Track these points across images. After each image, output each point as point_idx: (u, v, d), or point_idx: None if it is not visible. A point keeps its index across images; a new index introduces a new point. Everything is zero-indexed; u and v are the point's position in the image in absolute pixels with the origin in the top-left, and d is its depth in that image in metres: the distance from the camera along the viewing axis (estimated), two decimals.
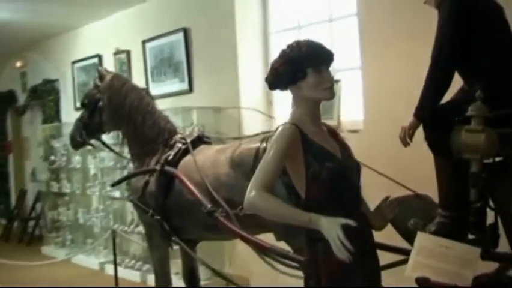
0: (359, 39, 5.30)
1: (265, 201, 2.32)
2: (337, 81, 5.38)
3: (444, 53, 3.01)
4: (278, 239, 3.78)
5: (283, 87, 2.54)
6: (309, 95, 2.48)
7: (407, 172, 3.94)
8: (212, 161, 3.98)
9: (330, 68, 2.51)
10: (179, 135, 4.41)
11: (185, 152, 4.24)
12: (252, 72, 6.38)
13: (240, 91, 6.32)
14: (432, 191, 3.31)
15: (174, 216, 4.16)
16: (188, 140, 4.26)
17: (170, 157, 4.21)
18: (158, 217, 4.15)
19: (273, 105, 6.38)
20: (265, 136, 3.77)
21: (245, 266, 5.93)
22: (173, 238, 4.23)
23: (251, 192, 2.35)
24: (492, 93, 2.79)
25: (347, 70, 5.56)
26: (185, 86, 6.94)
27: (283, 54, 2.49)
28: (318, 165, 2.37)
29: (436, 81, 3.05)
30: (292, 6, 6.21)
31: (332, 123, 5.27)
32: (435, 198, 3.29)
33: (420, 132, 3.17)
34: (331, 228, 2.23)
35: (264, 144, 3.67)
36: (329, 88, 2.48)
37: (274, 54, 6.27)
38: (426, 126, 3.12)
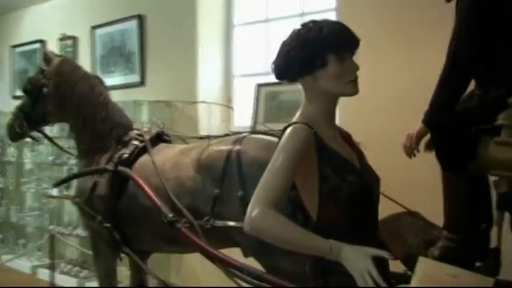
0: None
1: (273, 223, 1.79)
2: None
3: (462, 51, 2.59)
4: (247, 255, 3.30)
5: (294, 77, 2.06)
6: (328, 89, 2.00)
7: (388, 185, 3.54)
8: (174, 163, 3.46)
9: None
10: (135, 131, 3.86)
11: (142, 151, 3.71)
12: (211, 67, 5.90)
13: (197, 86, 5.82)
14: (420, 206, 2.99)
15: (126, 224, 3.62)
16: (147, 138, 3.73)
17: (125, 156, 3.67)
18: (108, 225, 3.61)
19: (232, 103, 5.90)
20: (239, 137, 3.28)
21: (193, 275, 5.55)
22: (123, 248, 3.68)
23: (254, 210, 1.81)
24: None
25: None
26: (136, 78, 6.40)
27: (299, 36, 1.99)
28: (337, 178, 1.90)
29: (453, 82, 2.63)
30: None
31: None
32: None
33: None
34: (359, 261, 1.73)
35: (238, 147, 3.19)
36: (352, 81, 2.00)
37: (236, 49, 5.94)
38: (436, 135, 2.69)
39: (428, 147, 2.86)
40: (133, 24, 6.37)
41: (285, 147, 1.89)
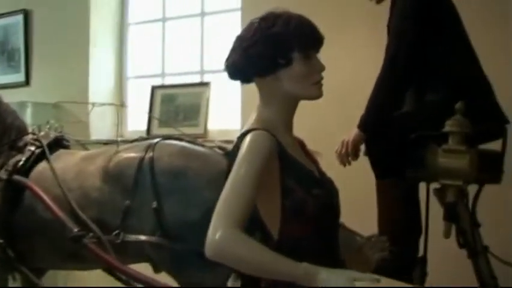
0: None
1: (241, 246, 1.52)
2: (207, 83, 4.81)
3: (403, 51, 2.49)
4: (158, 270, 3.06)
5: (252, 77, 1.84)
6: (292, 91, 1.79)
7: None
8: (77, 172, 3.13)
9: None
10: (31, 136, 3.49)
11: (40, 157, 3.35)
12: (103, 67, 5.54)
13: (88, 87, 5.44)
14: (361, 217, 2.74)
15: (22, 239, 3.22)
16: (45, 143, 3.37)
17: (21, 163, 3.29)
18: (1, 241, 3.22)
19: (125, 107, 5.58)
20: (151, 143, 3.02)
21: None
22: (17, 266, 3.30)
23: (217, 232, 1.52)
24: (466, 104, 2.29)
25: (220, 72, 4.91)
26: (21, 77, 5.91)
27: (260, 30, 1.77)
28: (302, 191, 1.69)
29: (391, 86, 2.52)
30: None
31: (196, 131, 4.69)
32: None
33: None
34: (340, 285, 1.51)
35: (151, 154, 2.93)
36: (318, 83, 1.81)
37: (131, 48, 5.62)
38: (372, 141, 2.56)
39: (366, 153, 2.74)
40: (19, 19, 5.88)
41: (247, 157, 1.65)
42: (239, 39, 1.83)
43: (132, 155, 3.00)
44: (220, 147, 3.10)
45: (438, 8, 2.60)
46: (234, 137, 4.60)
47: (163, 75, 5.37)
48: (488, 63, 2.72)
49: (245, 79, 1.86)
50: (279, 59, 1.76)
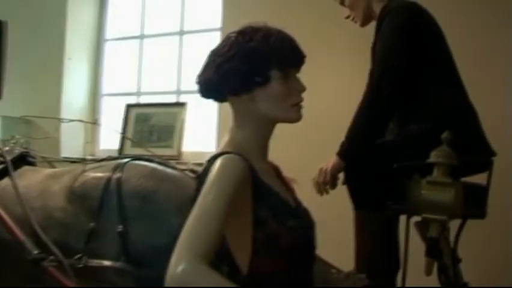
0: None
1: (203, 281, 1.32)
2: (183, 104, 4.68)
3: (389, 77, 2.39)
4: None
5: (226, 95, 1.71)
6: (268, 112, 1.67)
7: None
8: (41, 190, 2.96)
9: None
10: None
11: (2, 174, 3.18)
12: (78, 82, 5.41)
13: (60, 102, 5.31)
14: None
15: None
16: (8, 158, 3.21)
17: None
18: None
19: (97, 124, 5.43)
20: (120, 163, 2.87)
21: None
22: None
23: (179, 265, 1.33)
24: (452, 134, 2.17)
25: (197, 92, 4.77)
26: None
27: (237, 44, 1.64)
28: (276, 223, 1.55)
29: (374, 112, 2.40)
30: (136, 13, 5.33)
31: (170, 152, 4.56)
32: None
33: None
34: None
35: (119, 174, 2.78)
36: (297, 105, 1.68)
37: (107, 65, 5.48)
38: (351, 170, 2.44)
39: (344, 182, 2.61)
40: None
41: (217, 183, 1.48)
42: (213, 54, 1.70)
43: (99, 175, 2.85)
44: (192, 170, 2.95)
45: (425, 35, 2.51)
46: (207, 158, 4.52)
47: (138, 93, 5.25)
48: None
49: (218, 97, 1.74)
50: (256, 77, 1.64)
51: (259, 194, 1.57)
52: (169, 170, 2.91)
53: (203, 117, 4.78)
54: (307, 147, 3.83)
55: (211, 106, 4.58)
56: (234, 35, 1.68)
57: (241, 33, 1.68)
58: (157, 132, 4.89)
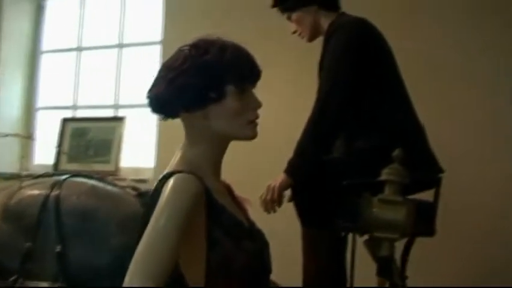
0: None
1: None
2: (121, 118, 4.57)
3: (337, 92, 2.37)
4: None
5: (178, 112, 1.63)
6: (223, 129, 1.59)
7: None
8: None
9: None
10: None
11: None
12: (12, 95, 5.20)
13: None
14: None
15: None
16: None
17: None
18: None
19: (32, 139, 5.24)
20: (58, 180, 2.75)
21: None
22: None
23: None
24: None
25: (135, 107, 4.71)
26: None
27: (191, 58, 1.56)
28: (230, 244, 1.48)
29: (324, 129, 2.37)
30: (74, 24, 5.19)
31: (107, 168, 4.46)
32: None
33: None
34: None
35: (57, 191, 2.67)
36: (253, 122, 1.62)
37: (43, 77, 5.30)
38: (299, 188, 2.40)
39: (290, 199, 2.55)
40: None
41: (170, 204, 1.41)
42: (165, 68, 1.61)
43: (36, 192, 2.73)
44: (133, 188, 2.86)
45: (373, 51, 2.50)
46: (147, 176, 4.40)
47: (75, 107, 5.10)
48: None
49: (170, 114, 1.65)
50: (210, 93, 1.56)
51: (213, 214, 1.51)
52: (109, 187, 2.81)
53: (141, 132, 4.66)
54: (255, 164, 3.78)
55: (150, 121, 4.50)
56: (187, 48, 1.61)
57: (195, 46, 1.60)
58: (94, 147, 4.75)
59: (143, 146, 4.65)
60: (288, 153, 2.50)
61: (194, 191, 1.45)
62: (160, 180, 1.52)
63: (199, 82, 1.55)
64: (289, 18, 2.77)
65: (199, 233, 1.47)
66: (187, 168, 1.54)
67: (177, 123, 4.14)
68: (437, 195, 2.40)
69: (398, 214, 1.99)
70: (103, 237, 2.56)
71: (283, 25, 2.89)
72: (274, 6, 2.78)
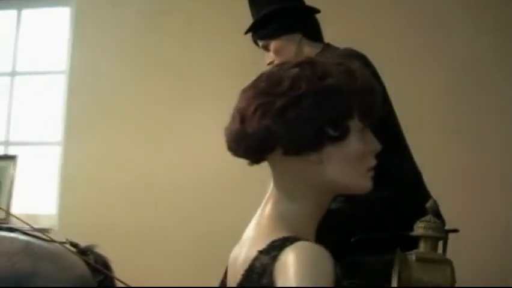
0: (64, 105, 4.05)
1: None
2: (13, 157, 4.15)
3: None
4: None
5: (287, 153, 1.23)
6: (339, 178, 1.25)
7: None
8: None
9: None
10: None
11: None
12: None
13: None
14: None
15: None
16: None
17: None
18: None
19: None
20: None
21: None
22: None
23: None
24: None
25: (30, 144, 4.27)
26: None
27: (305, 79, 1.19)
28: None
29: None
30: None
31: None
32: None
33: None
34: None
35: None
36: (372, 169, 1.29)
37: None
38: None
39: None
40: None
41: (313, 282, 1.05)
42: (261, 93, 1.22)
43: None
44: (72, 244, 2.44)
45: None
46: (45, 224, 3.97)
47: None
48: None
49: (261, 156, 1.28)
50: (330, 129, 1.22)
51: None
52: (46, 245, 2.38)
53: (38, 173, 4.23)
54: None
55: (47, 159, 4.06)
56: (295, 68, 1.23)
57: (311, 64, 1.23)
58: None
59: (40, 189, 4.22)
60: None
61: (331, 269, 1.10)
62: (266, 252, 1.14)
63: (322, 115, 1.20)
64: (265, 47, 2.45)
65: None
66: (292, 232, 1.18)
67: (88, 169, 3.82)
68: (444, 249, 2.19)
69: (440, 275, 1.74)
70: None
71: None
72: (248, 32, 2.47)
